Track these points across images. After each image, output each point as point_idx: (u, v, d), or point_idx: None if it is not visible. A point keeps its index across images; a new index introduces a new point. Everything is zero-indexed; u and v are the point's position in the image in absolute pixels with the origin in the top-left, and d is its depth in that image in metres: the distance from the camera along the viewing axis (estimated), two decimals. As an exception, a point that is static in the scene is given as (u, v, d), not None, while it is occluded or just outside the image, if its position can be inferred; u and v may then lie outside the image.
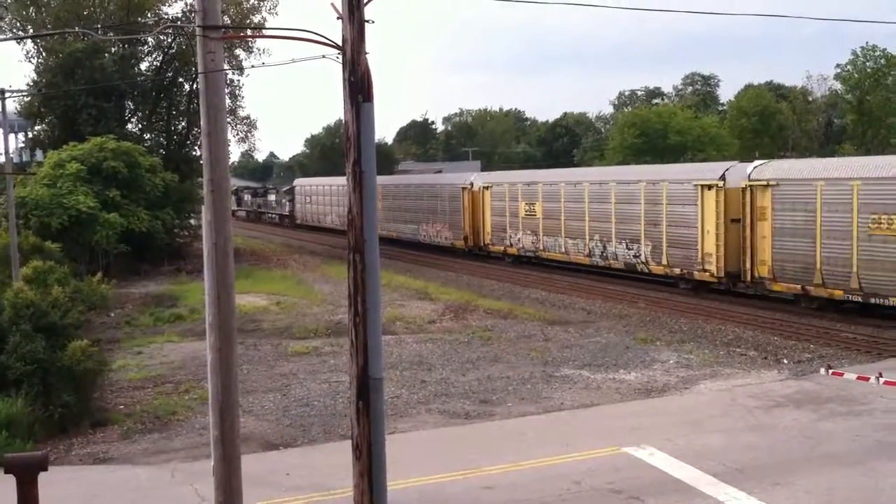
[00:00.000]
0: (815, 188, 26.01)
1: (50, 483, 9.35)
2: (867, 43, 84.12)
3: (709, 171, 31.72)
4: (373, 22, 7.86)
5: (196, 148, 50.97)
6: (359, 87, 7.74)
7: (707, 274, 30.05)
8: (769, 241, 27.48)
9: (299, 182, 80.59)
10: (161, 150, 49.84)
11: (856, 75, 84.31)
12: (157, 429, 16.45)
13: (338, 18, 7.82)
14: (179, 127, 54.44)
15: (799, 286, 26.70)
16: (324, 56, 8.09)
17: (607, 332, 25.04)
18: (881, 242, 24.16)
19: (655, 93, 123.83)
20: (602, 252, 35.38)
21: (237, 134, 56.60)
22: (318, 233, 67.18)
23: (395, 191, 55.07)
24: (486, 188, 44.27)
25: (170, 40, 50.25)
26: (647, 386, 18.75)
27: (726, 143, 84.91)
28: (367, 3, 7.81)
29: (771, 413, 16.20)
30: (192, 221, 47.55)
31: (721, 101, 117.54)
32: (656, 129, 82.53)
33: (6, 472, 8.56)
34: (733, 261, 28.98)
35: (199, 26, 8.69)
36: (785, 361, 21.02)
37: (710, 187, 29.94)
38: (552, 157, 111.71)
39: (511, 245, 42.14)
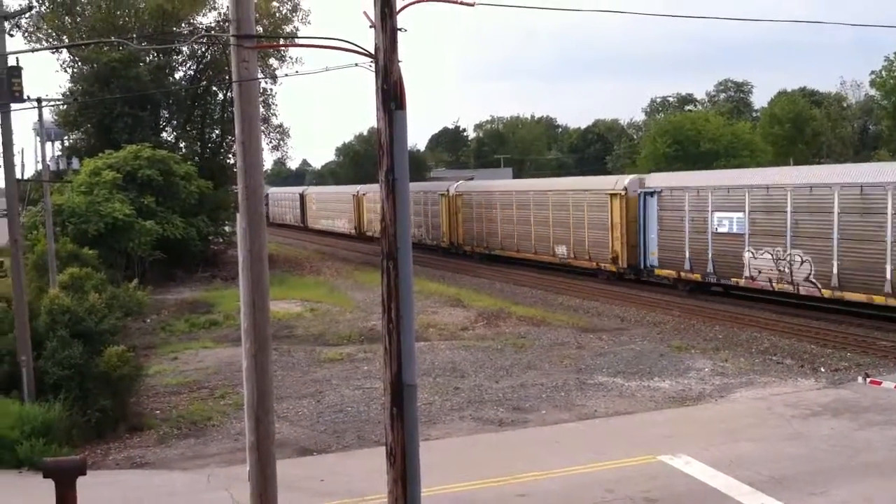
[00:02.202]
0: (472, 196, 50.01)
1: (88, 487, 9.43)
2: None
3: (443, 186, 55.45)
4: (405, 30, 7.89)
5: (230, 156, 51.43)
6: (391, 95, 7.76)
7: (446, 243, 52.52)
8: (461, 225, 50.85)
9: None
10: (195, 158, 50.27)
11: (890, 81, 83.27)
12: (192, 434, 16.58)
13: (370, 27, 7.85)
14: (213, 135, 54.93)
15: (470, 247, 50.05)
16: (356, 64, 8.11)
17: (641, 340, 24.89)
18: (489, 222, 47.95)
19: (688, 99, 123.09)
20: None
21: (270, 142, 57.16)
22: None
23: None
24: (364, 195, 67.90)
25: (204, 50, 50.75)
26: (682, 394, 18.60)
27: (760, 150, 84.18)
28: (399, 12, 7.83)
29: (808, 422, 16.02)
30: (227, 228, 47.95)
31: (755, 108, 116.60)
32: (689, 137, 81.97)
33: (45, 477, 8.65)
34: (456, 236, 51.78)
35: (232, 36, 8.76)
36: (822, 370, 20.78)
37: (443, 195, 52.75)
38: (584, 164, 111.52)
39: (367, 230, 66.74)
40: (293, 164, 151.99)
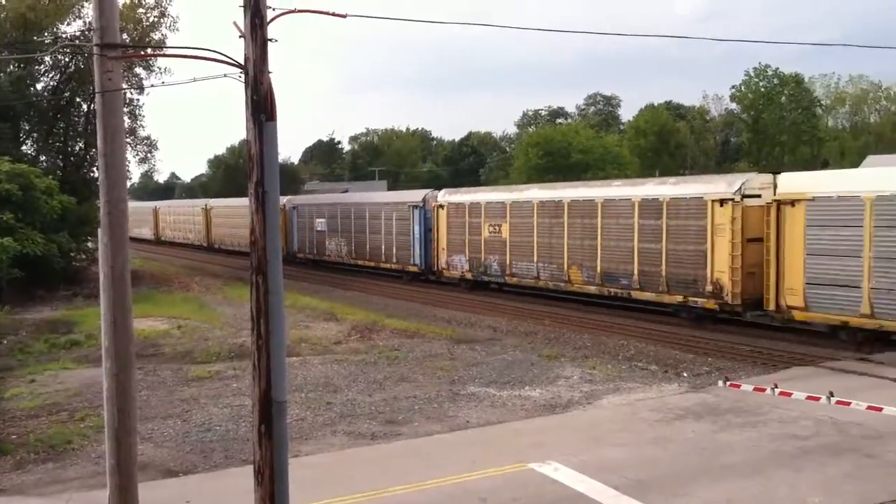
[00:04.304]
0: (219, 209, 71.81)
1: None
2: (759, 63, 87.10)
3: (197, 203, 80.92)
4: (276, 41, 7.84)
5: (94, 169, 49.64)
6: (261, 107, 7.70)
7: (206, 244, 74.22)
8: (213, 229, 72.74)
9: None
10: (58, 172, 48.31)
11: (750, 95, 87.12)
12: (51, 458, 15.87)
13: (240, 37, 7.77)
14: (77, 148, 52.93)
15: (218, 245, 71.25)
16: (225, 75, 8.00)
17: (513, 350, 25.28)
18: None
19: (559, 112, 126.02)
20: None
21: (137, 154, 55.33)
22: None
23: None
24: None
25: (67, 59, 48.90)
26: (552, 402, 18.96)
27: (628, 162, 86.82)
28: (269, 22, 7.78)
29: (671, 426, 16.57)
30: (90, 244, 46.27)
31: (622, 121, 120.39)
32: (559, 149, 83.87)
33: None
34: (210, 238, 74.00)
35: (96, 45, 8.52)
36: (685, 375, 21.55)
37: (204, 209, 75.63)
38: (459, 176, 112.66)
39: (162, 236, 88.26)
40: (161, 178, 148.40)
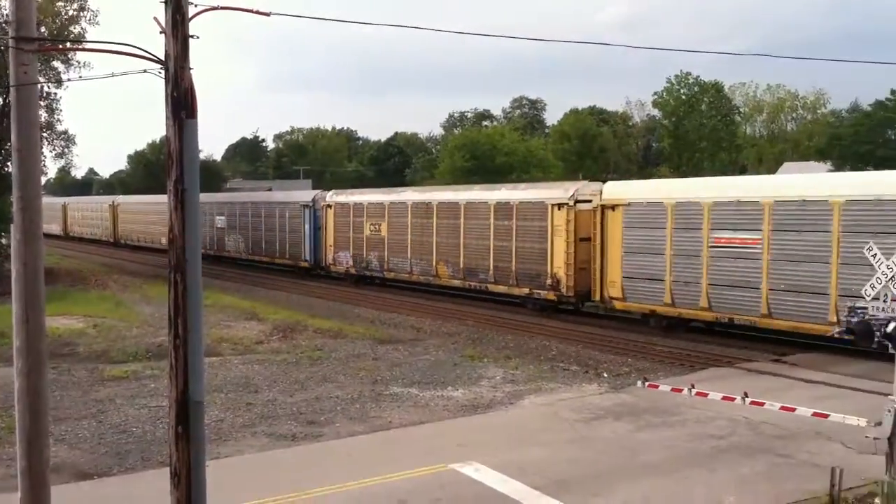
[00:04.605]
0: (130, 206, 76.09)
1: None
2: (681, 71, 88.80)
3: (104, 200, 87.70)
4: (197, 37, 7.72)
5: (8, 164, 48.15)
6: (182, 104, 7.59)
7: (112, 239, 78.18)
8: (119, 225, 77.09)
9: None
10: (-30, 167, 46.83)
11: (671, 102, 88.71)
12: (-41, 461, 15.38)
13: (161, 33, 7.65)
14: (-11, 142, 51.38)
15: (125, 240, 74.89)
16: (146, 71, 7.86)
17: (436, 350, 25.34)
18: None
19: (485, 115, 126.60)
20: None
21: (53, 149, 53.76)
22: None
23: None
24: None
25: (-18, 52, 47.38)
26: (475, 402, 19.04)
27: (551, 165, 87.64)
28: (191, 19, 7.67)
29: (591, 425, 16.80)
30: (3, 241, 44.94)
31: (547, 125, 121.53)
32: (485, 152, 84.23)
33: None
34: (117, 233, 77.30)
35: (11, 38, 8.31)
36: (605, 375, 21.87)
37: (109, 205, 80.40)
38: (385, 176, 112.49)
39: (70, 231, 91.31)
40: (79, 173, 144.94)
